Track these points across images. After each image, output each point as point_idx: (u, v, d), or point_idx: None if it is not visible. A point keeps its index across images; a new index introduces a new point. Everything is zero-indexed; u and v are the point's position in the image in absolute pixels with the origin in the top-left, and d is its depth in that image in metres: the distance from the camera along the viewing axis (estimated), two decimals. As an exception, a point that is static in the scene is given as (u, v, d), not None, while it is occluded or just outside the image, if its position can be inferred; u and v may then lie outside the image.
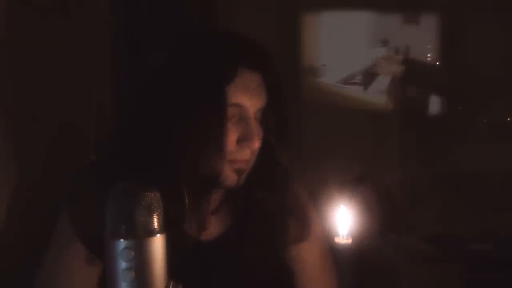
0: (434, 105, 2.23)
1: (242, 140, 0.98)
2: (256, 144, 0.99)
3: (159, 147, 0.96)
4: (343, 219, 0.77)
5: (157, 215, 0.70)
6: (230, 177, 0.99)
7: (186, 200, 0.91)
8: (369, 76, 2.17)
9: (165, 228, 0.70)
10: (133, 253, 0.67)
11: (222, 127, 0.95)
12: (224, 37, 1.02)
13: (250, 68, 0.98)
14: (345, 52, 2.16)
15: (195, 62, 0.97)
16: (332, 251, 0.79)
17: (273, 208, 1.04)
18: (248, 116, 0.99)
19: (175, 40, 1.07)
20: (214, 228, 1.05)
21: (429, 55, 2.19)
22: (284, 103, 1.05)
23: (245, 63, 0.98)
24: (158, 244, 0.69)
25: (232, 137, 0.97)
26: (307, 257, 1.12)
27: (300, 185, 1.11)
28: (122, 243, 0.67)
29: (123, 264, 0.67)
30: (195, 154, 0.95)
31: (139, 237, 0.68)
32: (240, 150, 0.98)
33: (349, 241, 0.76)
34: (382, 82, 2.17)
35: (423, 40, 2.17)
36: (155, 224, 0.69)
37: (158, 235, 0.69)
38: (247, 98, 0.98)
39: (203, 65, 0.96)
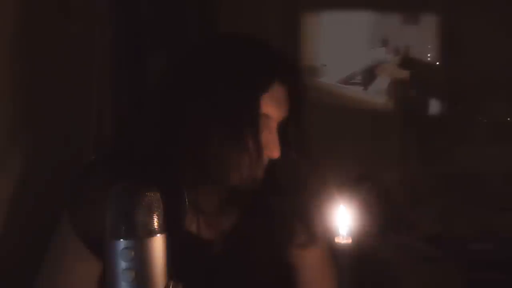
0: (434, 105, 2.23)
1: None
2: (275, 154, 1.00)
3: (166, 148, 0.97)
4: (343, 219, 0.77)
5: (157, 215, 0.70)
6: (253, 182, 1.01)
7: (186, 200, 0.91)
8: (369, 76, 2.17)
9: (165, 228, 0.70)
10: (133, 253, 0.67)
11: (258, 138, 0.97)
12: (259, 46, 1.03)
13: (281, 80, 1.00)
14: (345, 52, 2.16)
15: (232, 69, 0.98)
16: (332, 251, 0.79)
17: (282, 211, 1.05)
18: (272, 126, 1.00)
19: (206, 42, 1.08)
20: (217, 227, 1.05)
21: (429, 55, 2.19)
22: (304, 115, 1.06)
23: (278, 76, 0.99)
24: (158, 244, 0.69)
25: None
26: (309, 260, 1.12)
27: (310, 192, 1.11)
28: (122, 243, 0.67)
29: (123, 264, 0.67)
30: (226, 162, 0.97)
31: (139, 237, 0.68)
32: None
33: (349, 241, 0.76)
34: (382, 82, 2.18)
35: (423, 40, 2.17)
36: (155, 224, 0.69)
37: (158, 235, 0.69)
38: (274, 109, 0.99)
39: (241, 74, 0.98)
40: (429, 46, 2.18)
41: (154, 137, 0.99)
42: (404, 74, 2.16)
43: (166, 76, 1.08)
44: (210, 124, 0.96)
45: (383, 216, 1.72)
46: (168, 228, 0.71)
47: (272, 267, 1.06)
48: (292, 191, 1.06)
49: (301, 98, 1.04)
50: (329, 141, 1.97)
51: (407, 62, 2.16)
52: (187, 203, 0.89)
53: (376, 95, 2.18)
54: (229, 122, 0.96)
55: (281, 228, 1.06)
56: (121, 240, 0.67)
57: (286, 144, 1.02)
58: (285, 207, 1.05)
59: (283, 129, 1.02)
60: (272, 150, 0.99)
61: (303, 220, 1.08)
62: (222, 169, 0.97)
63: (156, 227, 0.69)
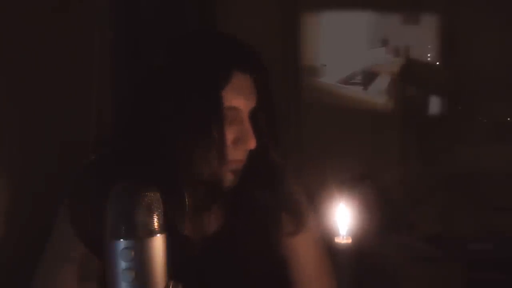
0: (434, 105, 2.23)
1: (237, 141, 1.00)
2: (252, 145, 1.00)
3: (158, 147, 0.97)
4: (343, 219, 0.77)
5: (157, 215, 0.69)
6: (227, 177, 1.00)
7: (186, 200, 0.91)
8: (369, 76, 2.17)
9: (165, 228, 0.70)
10: (133, 253, 0.67)
11: (222, 132, 0.96)
12: (216, 39, 1.03)
13: (243, 71, 0.99)
14: (345, 52, 2.16)
15: (190, 64, 0.98)
16: (332, 251, 0.79)
17: (266, 203, 1.05)
18: (242, 118, 1.00)
19: (168, 42, 1.08)
20: (208, 226, 1.05)
21: (429, 55, 2.19)
22: (273, 102, 1.06)
23: (238, 65, 0.99)
24: (158, 244, 0.69)
25: (228, 139, 0.98)
26: (302, 252, 1.12)
27: (293, 181, 1.11)
28: (122, 243, 0.67)
29: (123, 264, 0.67)
30: (195, 158, 0.96)
31: (139, 237, 0.68)
32: (236, 151, 1.00)
33: (349, 241, 0.76)
34: (382, 82, 2.18)
35: (423, 40, 2.17)
36: (155, 224, 0.69)
37: (158, 235, 0.69)
38: (241, 100, 0.99)
39: (198, 68, 0.97)
40: (429, 46, 2.18)
41: (145, 137, 0.99)
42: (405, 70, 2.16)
43: (142, 76, 1.08)
44: (177, 121, 0.96)
45: (383, 216, 1.72)
46: (168, 228, 0.71)
47: (264, 261, 1.06)
48: (271, 181, 1.06)
49: (267, 86, 1.04)
50: (329, 141, 1.98)
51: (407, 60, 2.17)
52: (187, 203, 0.89)
53: (376, 95, 2.18)
54: (193, 118, 0.95)
55: (267, 220, 1.06)
56: (121, 240, 0.67)
57: (259, 133, 1.02)
58: (268, 198, 1.05)
59: (255, 118, 1.02)
60: (247, 141, 0.99)
61: (288, 209, 1.08)
62: (192, 166, 0.96)
63: (156, 227, 0.69)
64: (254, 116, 1.02)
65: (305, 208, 1.11)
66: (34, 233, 1.08)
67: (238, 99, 0.98)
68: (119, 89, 1.48)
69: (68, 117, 1.29)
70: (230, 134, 0.98)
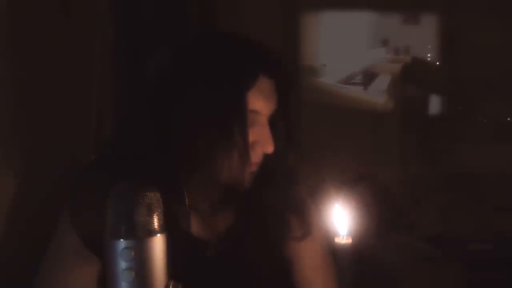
0: (434, 105, 2.23)
1: (256, 144, 1.00)
2: (270, 149, 1.00)
3: (165, 148, 0.97)
4: (343, 219, 0.77)
5: (157, 215, 0.69)
6: (246, 180, 1.01)
7: (186, 200, 0.91)
8: (369, 76, 2.18)
9: (165, 228, 0.70)
10: (133, 253, 0.67)
11: (245, 134, 0.96)
12: (241, 42, 1.03)
13: (267, 75, 1.00)
14: (345, 52, 2.16)
15: (215, 67, 0.98)
16: (332, 251, 0.79)
17: (275, 206, 1.05)
18: (262, 121, 1.00)
19: (189, 42, 1.07)
20: (216, 226, 1.05)
21: (429, 55, 2.19)
22: (292, 107, 1.06)
23: (264, 69, 0.99)
24: (158, 244, 0.69)
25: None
26: (307, 254, 1.12)
27: (302, 185, 1.11)
28: (122, 243, 0.67)
29: (123, 264, 0.67)
30: (216, 160, 0.96)
31: (139, 237, 0.68)
32: (254, 154, 0.99)
33: (349, 241, 0.76)
34: (382, 82, 2.18)
35: (423, 40, 2.17)
36: (155, 224, 0.69)
37: (158, 235, 0.69)
38: (263, 104, 0.99)
39: (224, 71, 0.97)
40: (429, 46, 2.18)
41: (148, 137, 0.99)
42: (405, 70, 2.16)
43: (154, 76, 1.07)
44: (198, 122, 0.96)
45: (383, 216, 1.72)
46: (168, 228, 0.71)
47: (270, 263, 1.06)
48: (284, 184, 1.06)
49: (289, 90, 1.04)
50: (329, 141, 1.98)
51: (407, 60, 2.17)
52: (187, 203, 0.89)
53: (376, 95, 2.18)
54: (216, 120, 0.96)
55: (276, 223, 1.06)
56: (121, 240, 0.67)
57: (276, 137, 1.02)
58: (278, 201, 1.05)
59: (273, 122, 1.02)
60: (266, 145, 0.99)
61: (297, 213, 1.08)
62: (212, 168, 0.97)
63: (156, 227, 0.69)
64: (273, 120, 1.02)
65: (313, 213, 1.11)
66: (34, 233, 1.08)
67: (260, 102, 0.99)
68: (120, 89, 1.48)
69: (68, 117, 1.29)
70: (250, 137, 0.98)
